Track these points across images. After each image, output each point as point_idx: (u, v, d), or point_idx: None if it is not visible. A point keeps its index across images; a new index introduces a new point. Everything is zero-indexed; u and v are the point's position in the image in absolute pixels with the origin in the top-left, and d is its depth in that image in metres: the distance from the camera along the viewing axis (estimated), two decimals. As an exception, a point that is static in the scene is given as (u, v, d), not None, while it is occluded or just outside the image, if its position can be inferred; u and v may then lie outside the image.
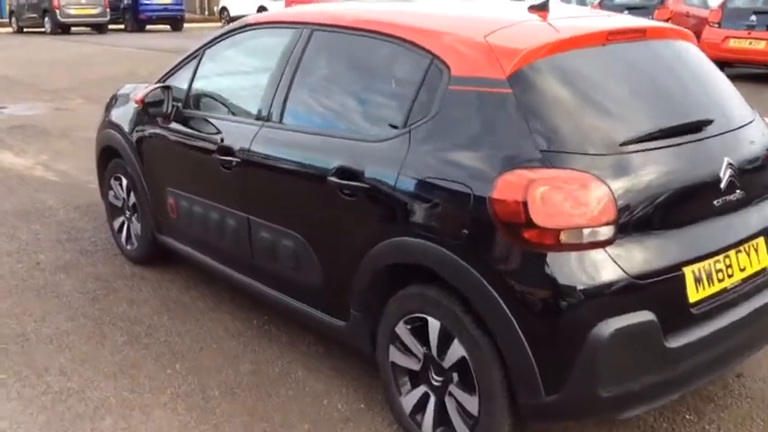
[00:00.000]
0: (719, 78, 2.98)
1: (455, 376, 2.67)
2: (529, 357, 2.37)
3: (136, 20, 24.64)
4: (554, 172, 2.36)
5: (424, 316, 2.70)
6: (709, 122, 2.67)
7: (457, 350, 2.60)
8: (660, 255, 2.44)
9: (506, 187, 2.38)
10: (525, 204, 2.33)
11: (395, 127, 2.81)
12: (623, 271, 2.35)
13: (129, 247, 4.69)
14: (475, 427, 2.61)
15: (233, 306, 4.16)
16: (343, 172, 2.91)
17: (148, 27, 25.20)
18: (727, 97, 2.91)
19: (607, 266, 2.35)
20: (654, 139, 2.52)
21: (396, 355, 2.89)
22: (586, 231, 2.33)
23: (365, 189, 2.81)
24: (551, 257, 2.34)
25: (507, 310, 2.38)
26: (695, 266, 2.48)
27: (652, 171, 2.49)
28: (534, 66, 2.55)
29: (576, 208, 2.32)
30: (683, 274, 2.45)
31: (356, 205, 2.87)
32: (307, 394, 3.29)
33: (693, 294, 2.47)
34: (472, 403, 2.60)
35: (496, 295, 2.40)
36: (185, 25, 25.85)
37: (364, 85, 3.11)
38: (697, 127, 2.64)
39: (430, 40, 2.79)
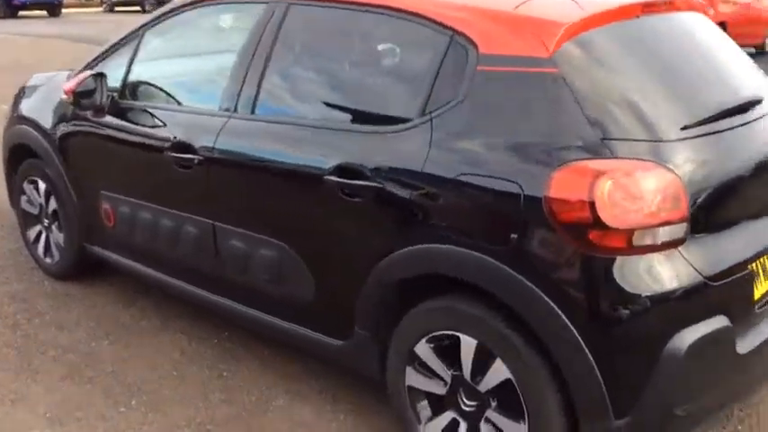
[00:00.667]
0: (739, 51, 2.77)
1: (494, 401, 2.33)
2: (596, 377, 2.05)
3: (8, 5, 22.87)
4: (622, 163, 2.05)
5: (455, 333, 2.34)
6: (758, 102, 2.44)
7: (499, 372, 2.25)
8: (730, 251, 2.18)
9: (567, 183, 2.05)
10: (592, 202, 2.00)
11: (406, 118, 2.41)
12: (698, 273, 2.08)
13: (48, 260, 4.04)
14: (522, 459, 2.28)
15: (184, 323, 3.63)
16: (344, 170, 2.49)
17: (22, 13, 23.41)
18: (754, 72, 2.70)
19: (681, 269, 2.06)
20: (712, 120, 2.26)
21: (414, 378, 2.51)
22: (661, 230, 2.03)
23: (375, 189, 2.40)
24: (621, 262, 2.03)
25: (570, 324, 2.05)
26: (760, 260, 2.24)
27: (714, 157, 2.23)
28: (579, 41, 2.22)
29: (649, 204, 2.02)
30: (753, 271, 2.20)
31: (362, 208, 2.46)
32: (296, 424, 2.86)
33: (757, 291, 2.24)
34: (518, 431, 2.26)
35: (556, 308, 2.07)
36: (63, 11, 24.33)
37: (364, 69, 2.70)
38: (746, 107, 2.40)
39: (448, 13, 2.40)
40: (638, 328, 2.04)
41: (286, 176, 2.71)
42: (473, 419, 2.39)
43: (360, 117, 2.61)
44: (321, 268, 2.68)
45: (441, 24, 2.39)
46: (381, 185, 2.39)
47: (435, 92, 2.35)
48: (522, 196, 2.10)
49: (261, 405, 2.97)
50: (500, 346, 2.23)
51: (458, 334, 2.33)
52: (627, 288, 2.02)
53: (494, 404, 2.33)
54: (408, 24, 2.49)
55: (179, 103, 3.31)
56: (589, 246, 2.03)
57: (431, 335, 2.41)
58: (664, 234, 2.04)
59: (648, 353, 2.04)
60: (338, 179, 2.49)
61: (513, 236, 2.12)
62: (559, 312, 2.06)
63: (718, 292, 2.11)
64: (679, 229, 2.06)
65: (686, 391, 2.08)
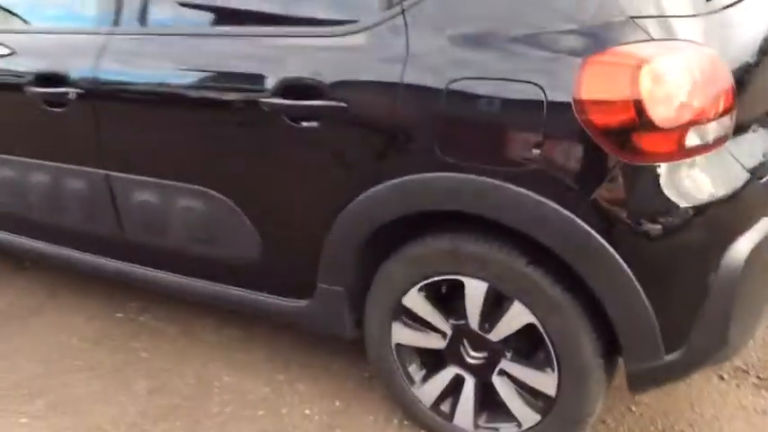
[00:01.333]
0: None
1: (509, 350, 1.95)
2: (646, 307, 1.71)
3: None
4: (666, 46, 1.64)
5: (457, 278, 1.91)
6: None
7: (518, 317, 1.86)
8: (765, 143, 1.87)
9: (603, 77, 1.62)
10: (637, 100, 1.59)
11: (369, 13, 1.87)
12: (747, 171, 1.75)
13: None
14: (549, 410, 1.93)
15: (74, 299, 2.98)
16: (291, 88, 1.93)
17: None
18: None
19: (732, 169, 1.73)
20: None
21: (403, 335, 2.08)
22: (712, 125, 1.67)
23: (337, 110, 1.87)
24: (670, 168, 1.65)
25: (612, 250, 1.67)
26: None
27: (743, 33, 1.87)
28: None
29: (701, 94, 1.64)
30: None
31: (320, 137, 1.93)
32: (249, 403, 2.36)
33: None
34: (546, 382, 1.90)
35: (594, 233, 1.68)
36: None
37: None
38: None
39: None
40: (693, 242, 1.70)
41: (206, 105, 2.10)
42: (482, 373, 2.01)
43: (305, 16, 2.01)
44: (268, 219, 2.14)
45: None
46: (345, 105, 1.86)
47: None
48: (544, 102, 1.65)
49: (201, 388, 2.45)
50: (519, 287, 1.83)
51: (461, 278, 1.90)
52: (678, 199, 1.66)
53: (509, 354, 1.95)
54: None
55: (33, 24, 2.54)
56: (633, 153, 1.64)
57: (424, 282, 1.96)
58: (715, 129, 1.68)
59: (705, 269, 1.71)
60: (283, 101, 1.93)
61: (536, 153, 1.68)
62: (599, 238, 1.68)
63: (765, 191, 1.80)
64: (728, 123, 1.71)
65: (741, 310, 1.78)
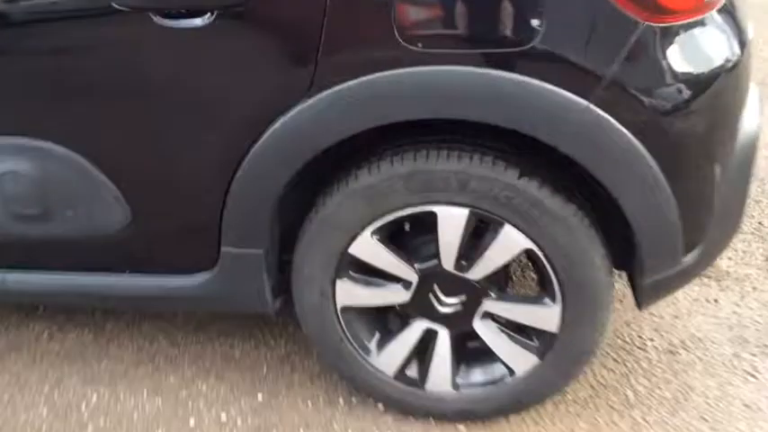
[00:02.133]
0: None
1: (493, 289, 1.56)
2: (672, 206, 1.40)
3: None
4: None
5: (426, 208, 1.46)
6: None
7: (509, 244, 1.47)
8: None
9: None
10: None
11: None
12: (745, 32, 1.48)
13: None
14: (549, 349, 1.59)
15: None
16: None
17: None
18: None
19: (730, 32, 1.44)
20: None
21: (351, 294, 1.61)
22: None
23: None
24: (690, 31, 1.33)
25: (636, 142, 1.33)
26: None
27: None
28: None
29: None
30: None
31: (219, 37, 1.35)
32: (137, 425, 1.77)
33: None
34: (546, 316, 1.54)
35: (614, 122, 1.32)
36: None
37: None
38: None
39: None
40: (715, 118, 1.41)
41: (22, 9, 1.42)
42: (459, 322, 1.61)
43: None
44: (133, 172, 1.53)
45: None
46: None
47: None
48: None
49: (62, 414, 1.80)
50: (511, 207, 1.43)
51: (431, 207, 1.46)
52: (700, 68, 1.35)
53: (493, 293, 1.56)
54: None
55: None
56: (656, 12, 1.28)
57: (380, 223, 1.50)
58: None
59: (724, 148, 1.44)
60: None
61: (537, 23, 1.26)
62: (620, 127, 1.32)
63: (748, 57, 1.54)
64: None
65: (749, 185, 1.54)
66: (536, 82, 1.29)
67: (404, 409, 1.72)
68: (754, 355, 1.93)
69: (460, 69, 1.30)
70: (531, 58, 1.28)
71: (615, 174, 1.36)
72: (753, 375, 1.87)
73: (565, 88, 1.29)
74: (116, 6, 1.34)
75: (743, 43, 1.42)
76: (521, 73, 1.29)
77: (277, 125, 1.39)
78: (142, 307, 1.84)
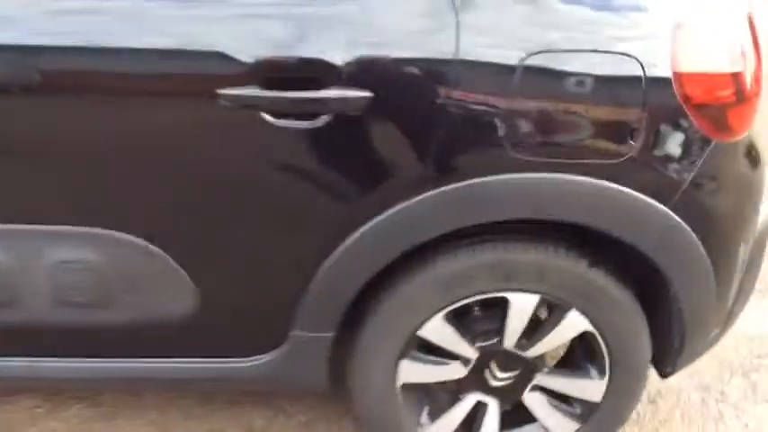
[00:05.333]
0: None
1: (545, 365, 1.69)
2: (714, 295, 1.59)
3: None
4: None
5: (501, 295, 1.56)
6: None
7: (572, 326, 1.60)
8: None
9: (702, 46, 1.39)
10: (737, 72, 1.41)
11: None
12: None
13: None
14: (589, 417, 1.73)
15: None
16: (274, 71, 1.32)
17: None
18: None
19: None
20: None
21: (413, 372, 1.66)
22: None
23: (358, 101, 1.33)
24: (742, 144, 1.53)
25: (699, 243, 1.51)
26: None
27: None
28: None
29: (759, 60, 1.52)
30: None
31: (328, 138, 1.36)
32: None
33: None
34: (593, 388, 1.69)
35: (685, 226, 1.48)
36: None
37: None
38: None
39: None
40: (751, 207, 1.61)
41: (118, 94, 1.35)
42: (510, 394, 1.71)
43: None
44: (212, 260, 1.49)
45: None
46: (370, 94, 1.32)
47: None
48: (642, 78, 1.36)
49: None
50: (579, 293, 1.56)
51: (505, 294, 1.56)
52: (745, 173, 1.55)
53: (545, 368, 1.69)
54: None
55: None
56: (724, 130, 1.46)
57: (453, 306, 1.57)
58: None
59: (752, 229, 1.65)
60: (262, 92, 1.31)
61: (629, 140, 1.40)
62: (690, 231, 1.49)
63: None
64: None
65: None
66: (627, 190, 1.42)
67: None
68: (717, 400, 2.19)
69: (562, 177, 1.40)
70: (624, 168, 1.41)
71: (679, 267, 1.53)
72: (722, 421, 2.13)
73: (649, 195, 1.44)
74: (223, 100, 1.31)
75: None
76: (615, 181, 1.41)
77: (377, 220, 1.42)
78: (189, 389, 1.77)
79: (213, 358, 1.61)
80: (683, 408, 2.15)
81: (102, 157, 1.38)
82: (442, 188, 1.40)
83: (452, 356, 1.65)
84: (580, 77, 1.35)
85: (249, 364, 1.61)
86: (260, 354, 1.61)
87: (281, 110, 1.33)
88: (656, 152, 1.42)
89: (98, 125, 1.35)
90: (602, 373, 1.66)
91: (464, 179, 1.39)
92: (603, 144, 1.41)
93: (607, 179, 1.41)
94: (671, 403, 2.16)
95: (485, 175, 1.39)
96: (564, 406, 1.74)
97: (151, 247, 1.45)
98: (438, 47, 1.33)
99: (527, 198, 1.42)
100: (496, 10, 1.34)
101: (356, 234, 1.44)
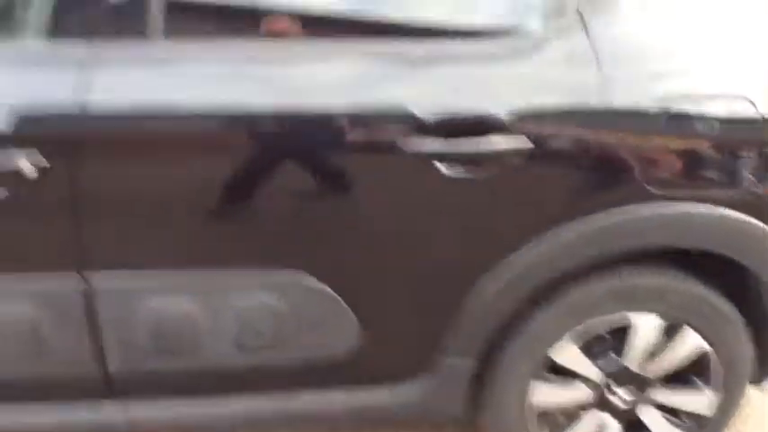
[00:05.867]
0: None
1: (660, 382, 1.83)
2: None
3: None
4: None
5: (626, 318, 1.71)
6: None
7: (688, 344, 1.76)
8: None
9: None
10: None
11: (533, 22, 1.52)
12: None
13: None
14: (700, 428, 1.88)
15: None
16: (442, 123, 1.47)
17: None
18: None
19: None
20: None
21: (542, 394, 1.80)
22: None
23: (519, 150, 1.49)
24: None
25: None
26: None
27: None
28: None
29: None
30: None
31: (491, 183, 1.52)
32: None
33: None
34: (705, 402, 1.84)
35: None
36: None
37: None
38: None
39: None
40: None
41: (307, 147, 1.49)
42: (627, 411, 1.85)
43: (454, 24, 1.54)
44: (375, 296, 1.62)
45: None
46: (530, 143, 1.49)
47: None
48: (757, 118, 1.55)
49: None
50: (695, 312, 1.72)
51: (630, 317, 1.71)
52: None
53: (661, 385, 1.83)
54: None
55: None
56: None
57: (585, 329, 1.72)
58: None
59: None
60: (438, 143, 1.47)
61: (747, 173, 1.58)
62: None
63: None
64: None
65: None
66: (751, 219, 1.59)
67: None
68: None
69: (695, 208, 1.57)
70: (746, 199, 1.59)
71: None
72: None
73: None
74: (403, 148, 1.46)
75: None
76: (739, 210, 1.59)
77: (525, 255, 1.58)
78: (340, 422, 1.87)
79: (367, 389, 1.73)
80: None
81: (295, 206, 1.50)
82: (585, 218, 1.56)
83: (581, 378, 1.79)
84: (707, 119, 1.53)
85: (400, 392, 1.73)
86: (410, 382, 1.73)
87: (455, 161, 1.48)
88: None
89: (292, 177, 1.48)
90: (713, 386, 1.81)
91: (610, 212, 1.55)
92: (728, 179, 1.58)
93: (732, 208, 1.59)
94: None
95: (630, 207, 1.56)
96: (676, 420, 1.88)
97: (328, 289, 1.57)
98: (588, 98, 1.50)
99: (668, 227, 1.59)
100: (634, 65, 1.53)
101: (507, 269, 1.59)
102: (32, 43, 1.41)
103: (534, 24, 1.54)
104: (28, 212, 1.44)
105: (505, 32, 1.53)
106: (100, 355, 1.57)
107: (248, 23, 1.50)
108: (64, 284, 1.50)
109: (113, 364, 1.59)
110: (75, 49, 1.40)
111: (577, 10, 1.52)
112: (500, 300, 1.63)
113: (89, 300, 1.51)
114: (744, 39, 1.63)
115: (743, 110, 1.55)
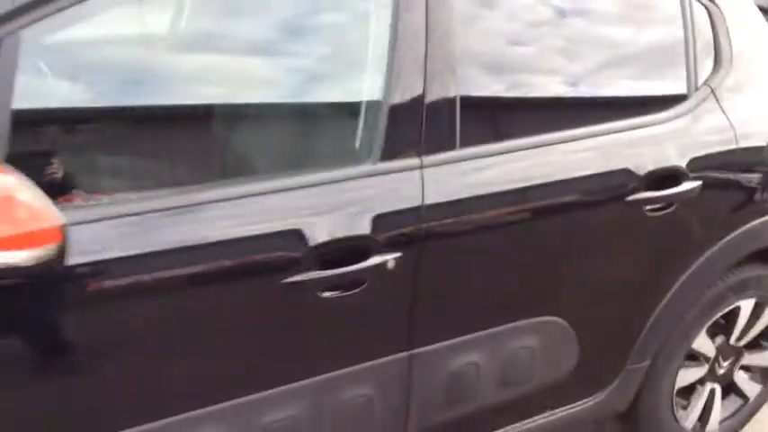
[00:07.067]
0: None
1: (746, 348, 2.41)
2: None
3: None
4: None
5: (737, 304, 2.27)
6: None
7: (767, 318, 2.36)
8: None
9: None
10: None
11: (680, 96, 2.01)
12: None
13: None
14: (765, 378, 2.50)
15: None
16: (654, 176, 1.91)
17: None
18: None
19: None
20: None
21: (683, 377, 2.28)
22: None
23: (694, 189, 1.97)
24: None
25: None
26: None
27: None
28: None
29: None
30: None
31: (675, 215, 1.97)
32: None
33: None
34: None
35: None
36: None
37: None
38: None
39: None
40: None
41: (557, 214, 1.82)
42: (726, 377, 2.41)
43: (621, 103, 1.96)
44: (591, 322, 1.99)
45: None
46: (700, 183, 1.97)
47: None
48: None
49: None
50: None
51: (739, 303, 2.27)
52: None
53: (746, 351, 2.41)
54: None
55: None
56: None
57: (713, 318, 2.24)
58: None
59: None
60: (648, 194, 1.90)
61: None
62: None
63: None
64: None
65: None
66: None
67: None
68: None
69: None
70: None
71: None
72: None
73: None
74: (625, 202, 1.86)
75: None
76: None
77: (693, 270, 2.06)
78: None
79: (577, 402, 2.07)
80: None
81: (551, 258, 1.83)
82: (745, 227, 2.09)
83: (703, 358, 2.30)
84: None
85: (594, 402, 2.10)
86: (603, 390, 2.11)
87: (654, 204, 1.91)
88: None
89: (549, 244, 1.82)
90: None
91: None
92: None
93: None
94: None
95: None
96: (759, 375, 2.46)
97: (566, 325, 1.91)
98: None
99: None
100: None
101: (682, 280, 2.05)
102: (371, 165, 1.58)
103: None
104: (381, 303, 1.60)
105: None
106: (405, 418, 1.75)
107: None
108: (396, 363, 1.67)
109: (412, 423, 1.77)
110: (407, 163, 1.60)
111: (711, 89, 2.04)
112: (676, 308, 2.09)
113: (409, 372, 1.70)
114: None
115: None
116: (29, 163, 1.22)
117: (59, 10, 1.28)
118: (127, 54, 1.57)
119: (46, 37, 1.33)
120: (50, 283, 1.23)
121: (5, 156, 1.20)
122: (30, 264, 1.09)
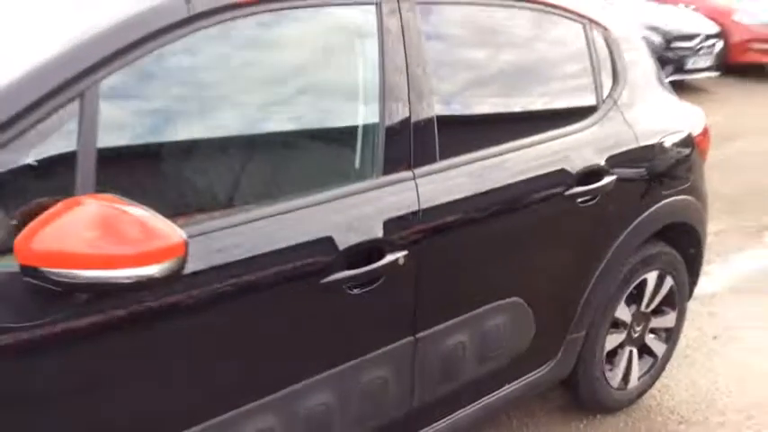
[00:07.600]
0: None
1: (653, 314, 2.89)
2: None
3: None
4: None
5: (645, 276, 2.74)
6: None
7: (666, 286, 2.84)
8: None
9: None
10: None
11: (592, 107, 2.46)
12: None
13: None
14: (670, 336, 2.98)
15: None
16: (584, 175, 2.32)
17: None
18: None
19: None
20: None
21: (610, 342, 2.72)
22: None
23: (611, 182, 2.40)
24: None
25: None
26: None
27: None
28: None
29: None
30: None
31: (599, 206, 2.40)
32: None
33: None
34: (670, 320, 2.94)
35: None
36: None
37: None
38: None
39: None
40: None
41: (519, 209, 2.19)
42: (640, 340, 2.87)
43: (552, 119, 2.35)
44: (544, 301, 2.37)
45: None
46: (615, 176, 2.42)
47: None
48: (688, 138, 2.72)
49: None
50: (671, 266, 2.81)
51: (647, 275, 2.74)
52: None
53: (653, 317, 2.89)
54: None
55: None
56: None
57: (629, 290, 2.69)
58: None
59: None
60: (579, 188, 2.31)
61: (689, 174, 2.74)
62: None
63: None
64: None
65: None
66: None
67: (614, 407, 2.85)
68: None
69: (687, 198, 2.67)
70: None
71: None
72: None
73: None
74: (564, 196, 2.26)
75: None
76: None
77: (623, 238, 2.50)
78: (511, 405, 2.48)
79: (533, 373, 2.44)
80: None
81: (512, 246, 2.20)
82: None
83: (623, 324, 2.75)
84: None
85: (545, 371, 2.48)
86: (551, 360, 2.49)
87: (584, 197, 2.32)
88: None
89: (514, 236, 2.19)
90: (673, 308, 2.92)
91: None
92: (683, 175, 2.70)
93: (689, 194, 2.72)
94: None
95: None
96: (661, 334, 2.94)
97: (525, 304, 2.27)
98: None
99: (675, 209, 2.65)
100: None
101: (607, 259, 2.48)
102: (375, 179, 1.88)
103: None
104: (394, 295, 1.88)
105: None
106: (411, 394, 2.04)
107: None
108: (405, 347, 1.96)
109: (416, 398, 2.06)
110: (403, 175, 1.91)
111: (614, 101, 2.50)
112: (609, 277, 2.52)
113: (414, 354, 1.99)
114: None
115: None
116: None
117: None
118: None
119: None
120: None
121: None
122: (164, 275, 1.30)
